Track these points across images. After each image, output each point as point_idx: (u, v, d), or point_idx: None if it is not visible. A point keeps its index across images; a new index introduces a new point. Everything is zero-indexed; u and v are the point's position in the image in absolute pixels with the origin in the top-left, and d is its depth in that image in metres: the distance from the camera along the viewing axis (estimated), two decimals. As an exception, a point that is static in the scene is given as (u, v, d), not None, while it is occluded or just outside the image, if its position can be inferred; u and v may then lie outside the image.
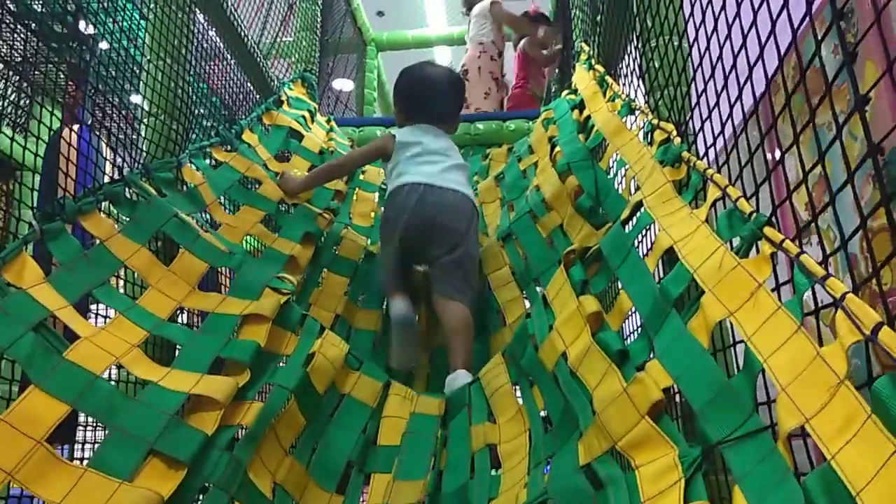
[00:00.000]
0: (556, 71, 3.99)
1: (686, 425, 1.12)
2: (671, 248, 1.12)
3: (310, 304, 1.80)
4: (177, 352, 1.25)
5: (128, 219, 1.35)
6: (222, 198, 1.75)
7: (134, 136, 2.25)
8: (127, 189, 1.41)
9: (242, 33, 2.29)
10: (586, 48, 2.57)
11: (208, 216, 1.69)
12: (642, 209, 1.35)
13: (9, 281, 1.03)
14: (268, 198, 1.86)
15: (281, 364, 1.33)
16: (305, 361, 1.32)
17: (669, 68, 1.50)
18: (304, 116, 2.46)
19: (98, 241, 1.24)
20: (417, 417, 1.43)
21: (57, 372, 0.96)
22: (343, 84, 5.12)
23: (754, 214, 0.97)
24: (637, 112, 1.70)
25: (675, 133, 1.43)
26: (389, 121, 2.84)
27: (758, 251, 0.95)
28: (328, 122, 2.76)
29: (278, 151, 2.17)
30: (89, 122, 2.49)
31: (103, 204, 1.34)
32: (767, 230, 0.93)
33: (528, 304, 1.84)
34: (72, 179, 2.43)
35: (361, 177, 2.41)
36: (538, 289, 1.82)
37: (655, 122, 1.52)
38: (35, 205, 2.56)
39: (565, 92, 2.46)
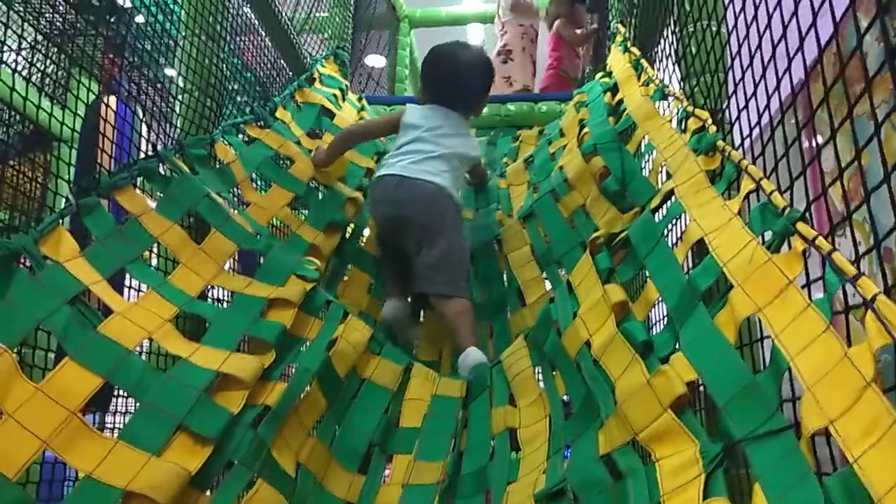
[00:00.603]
0: (591, 52, 3.94)
1: (709, 418, 1.11)
2: (701, 239, 1.12)
3: (336, 297, 1.82)
4: (205, 325, 1.27)
5: (161, 195, 1.37)
6: (254, 175, 1.77)
7: (168, 111, 2.28)
8: (161, 165, 1.43)
9: (276, 9, 2.29)
10: (622, 30, 2.53)
11: (239, 193, 1.71)
12: (673, 198, 1.34)
13: (45, 254, 1.06)
14: (298, 178, 1.87)
15: (304, 347, 1.35)
16: (328, 345, 1.34)
17: (707, 55, 1.47)
18: (335, 95, 2.46)
19: (132, 217, 1.26)
20: (439, 399, 1.44)
21: (91, 345, 0.99)
22: (375, 61, 5.11)
23: (788, 209, 0.96)
24: (670, 98, 1.67)
25: (710, 121, 1.41)
26: (421, 99, 2.83)
27: (790, 247, 0.93)
28: (360, 100, 2.76)
29: (310, 129, 2.18)
30: (125, 96, 2.52)
31: (137, 179, 1.36)
32: (800, 226, 0.91)
33: (548, 286, 1.83)
34: (107, 154, 2.47)
35: (390, 157, 2.40)
36: (560, 271, 1.81)
37: (690, 108, 1.50)
38: (71, 177, 2.60)
39: (599, 74, 2.43)
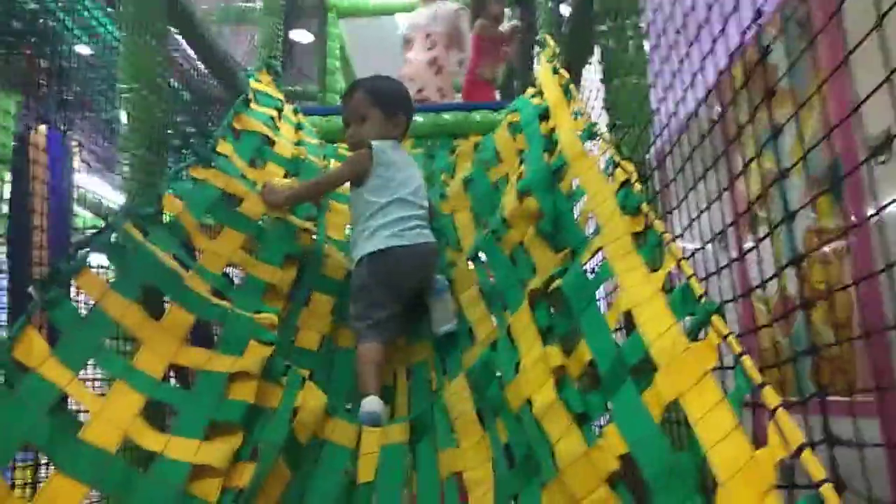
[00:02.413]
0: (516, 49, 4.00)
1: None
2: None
3: (297, 328, 1.88)
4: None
5: (116, 270, 1.40)
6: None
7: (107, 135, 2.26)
8: (113, 235, 1.45)
9: (214, 46, 2.28)
10: (551, 43, 2.62)
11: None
12: (602, 258, 1.45)
13: (18, 359, 1.10)
14: (249, 217, 1.90)
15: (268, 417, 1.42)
16: (290, 416, 1.42)
17: (635, 109, 1.58)
18: (272, 116, 2.47)
19: (94, 303, 1.30)
20: (387, 449, 1.53)
21: (75, 455, 1.05)
22: (301, 36, 5.02)
23: (704, 299, 1.09)
24: (598, 138, 1.78)
25: (635, 177, 1.52)
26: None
27: (706, 334, 1.07)
28: (296, 113, 2.77)
29: (251, 158, 2.19)
30: (57, 124, 2.48)
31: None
32: (715, 320, 1.04)
33: (494, 322, 1.94)
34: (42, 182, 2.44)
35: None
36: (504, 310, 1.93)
37: (617, 159, 1.60)
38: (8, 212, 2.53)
39: (530, 91, 2.51)
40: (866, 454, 0.99)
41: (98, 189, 2.67)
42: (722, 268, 1.06)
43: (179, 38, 2.41)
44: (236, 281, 1.88)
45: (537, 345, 1.39)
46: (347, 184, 2.12)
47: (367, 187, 1.95)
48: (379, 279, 1.88)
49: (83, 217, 2.79)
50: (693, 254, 1.25)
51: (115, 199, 2.52)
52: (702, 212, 1.19)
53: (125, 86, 1.75)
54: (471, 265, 2.06)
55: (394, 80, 2.23)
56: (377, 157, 1.95)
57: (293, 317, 1.90)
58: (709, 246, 1.19)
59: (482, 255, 2.03)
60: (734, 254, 1.14)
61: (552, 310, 1.50)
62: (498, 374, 1.51)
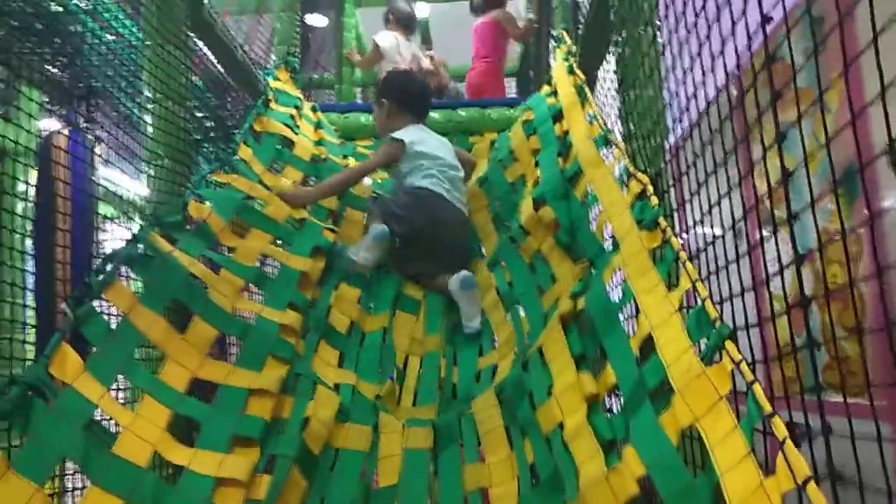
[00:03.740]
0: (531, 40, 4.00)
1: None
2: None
3: (330, 306, 1.94)
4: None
5: (143, 284, 1.44)
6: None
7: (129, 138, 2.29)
8: (140, 246, 1.49)
9: (234, 47, 2.30)
10: (567, 40, 2.61)
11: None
12: (622, 276, 1.46)
13: (54, 374, 1.14)
14: (274, 220, 1.96)
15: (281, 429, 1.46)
16: (301, 426, 1.46)
17: (651, 123, 1.59)
18: (292, 115, 2.49)
19: (122, 316, 1.34)
20: (410, 454, 1.56)
21: (110, 469, 1.09)
22: (316, 20, 5.02)
23: (718, 323, 1.11)
24: (613, 146, 1.78)
25: (651, 189, 1.53)
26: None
27: (720, 357, 1.09)
28: (314, 111, 2.79)
29: (270, 162, 2.23)
30: (80, 125, 2.51)
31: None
32: (729, 346, 1.06)
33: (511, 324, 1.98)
34: (65, 183, 2.49)
35: (352, 189, 2.44)
36: (519, 311, 1.97)
37: (632, 170, 1.61)
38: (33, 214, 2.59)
39: (545, 88, 2.51)
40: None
41: (117, 179, 2.72)
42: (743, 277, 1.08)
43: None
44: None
45: (570, 370, 1.41)
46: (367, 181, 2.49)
47: (407, 161, 2.29)
48: (422, 219, 2.16)
49: (106, 212, 2.84)
50: (711, 274, 1.26)
51: (135, 189, 2.58)
52: (726, 231, 1.20)
53: (150, 96, 1.77)
54: (490, 272, 2.11)
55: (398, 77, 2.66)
56: (409, 141, 2.30)
57: (326, 296, 1.97)
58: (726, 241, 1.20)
59: (501, 262, 2.07)
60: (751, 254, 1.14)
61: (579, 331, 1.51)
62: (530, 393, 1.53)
